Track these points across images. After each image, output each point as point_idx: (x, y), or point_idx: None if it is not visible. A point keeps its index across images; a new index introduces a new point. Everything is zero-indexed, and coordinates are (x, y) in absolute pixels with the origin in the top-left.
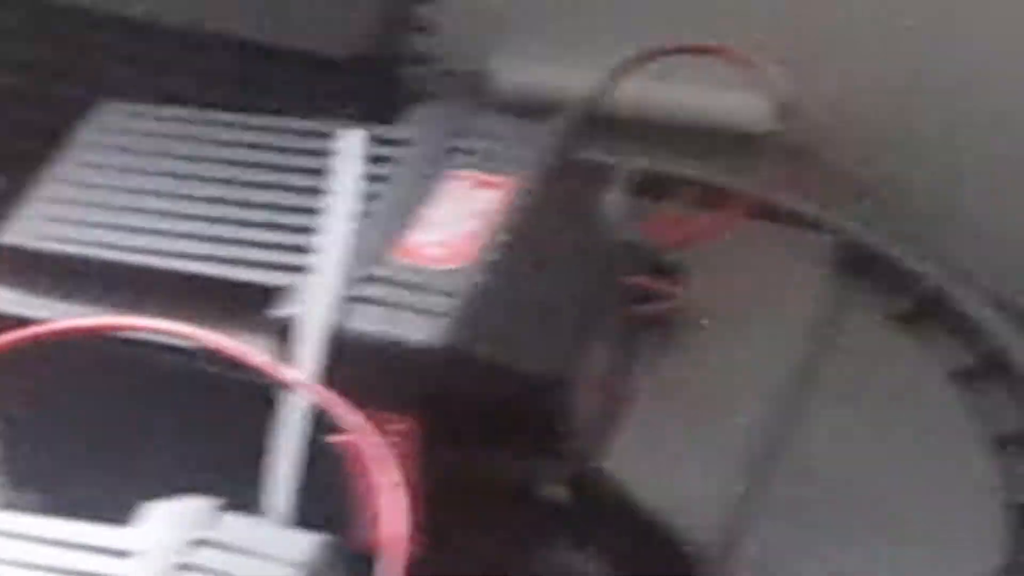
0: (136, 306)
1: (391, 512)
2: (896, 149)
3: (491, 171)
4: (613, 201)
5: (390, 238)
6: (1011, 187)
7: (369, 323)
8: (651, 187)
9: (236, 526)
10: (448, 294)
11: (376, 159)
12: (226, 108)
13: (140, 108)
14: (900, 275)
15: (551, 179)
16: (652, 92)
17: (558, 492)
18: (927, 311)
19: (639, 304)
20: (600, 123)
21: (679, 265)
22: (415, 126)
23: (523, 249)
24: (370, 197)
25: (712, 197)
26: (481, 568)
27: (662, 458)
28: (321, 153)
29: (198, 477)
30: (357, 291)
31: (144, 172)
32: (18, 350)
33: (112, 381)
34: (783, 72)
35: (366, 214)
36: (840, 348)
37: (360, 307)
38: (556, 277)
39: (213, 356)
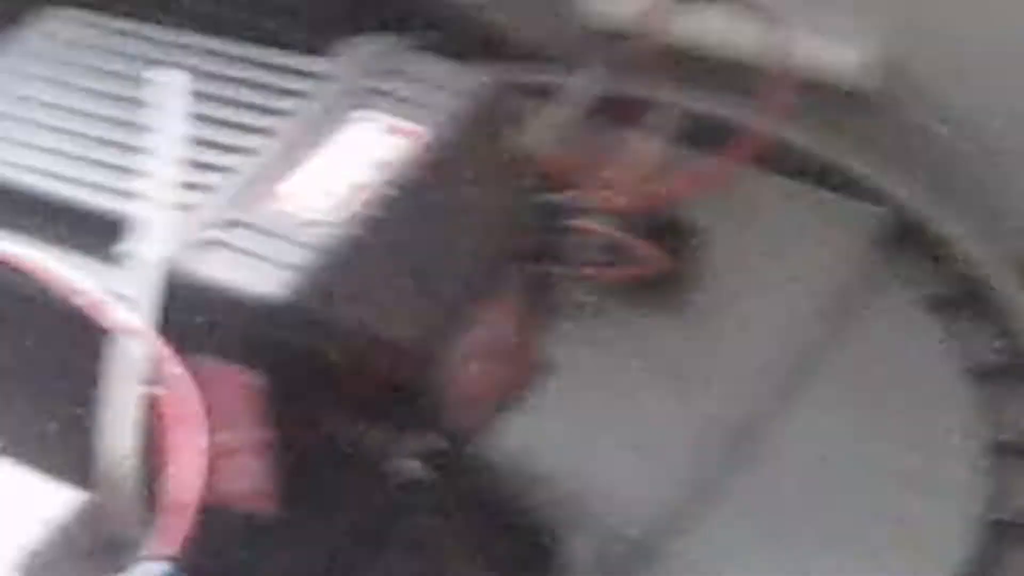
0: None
1: (184, 477)
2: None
3: (404, 117)
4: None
5: (272, 181)
6: None
7: (213, 269)
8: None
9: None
10: (309, 247)
11: (286, 92)
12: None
13: (81, 15)
14: (944, 256)
15: (464, 132)
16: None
17: (412, 467)
18: (963, 299)
19: (608, 266)
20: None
21: (680, 225)
22: (337, 61)
23: (410, 205)
24: (268, 134)
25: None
26: (333, 535)
27: (596, 436)
28: (244, 83)
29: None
30: (216, 235)
31: (49, 82)
32: None
33: None
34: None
35: (257, 152)
36: (856, 331)
37: (214, 252)
38: (446, 239)
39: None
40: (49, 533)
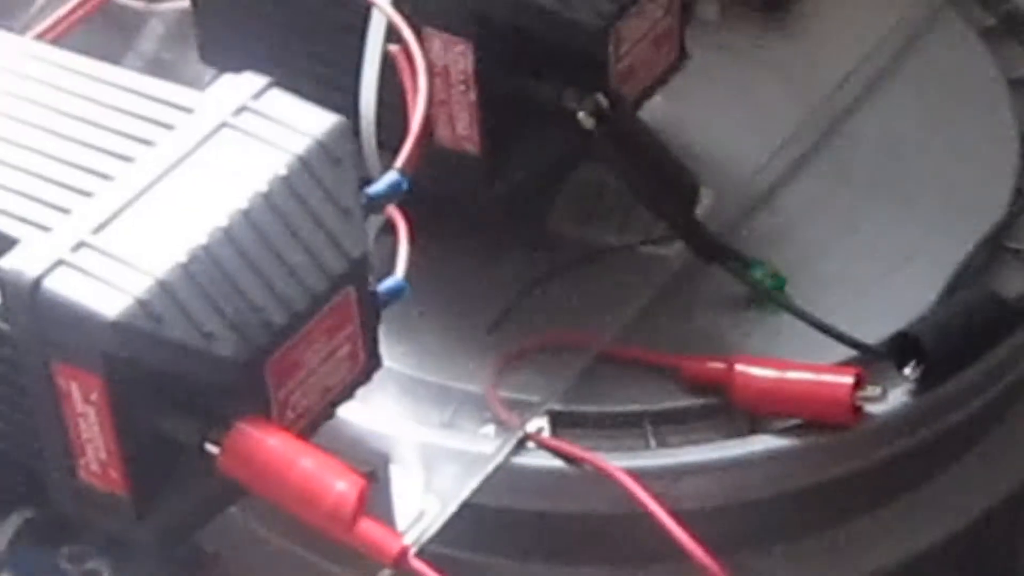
0: None
1: (413, 114)
2: None
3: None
4: None
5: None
6: None
7: None
8: None
9: (276, 100)
10: None
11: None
12: None
13: None
14: None
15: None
16: None
17: (585, 120)
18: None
19: None
20: None
21: None
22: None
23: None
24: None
25: None
26: (525, 170)
27: (719, 115)
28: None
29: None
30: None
31: None
32: None
33: None
34: None
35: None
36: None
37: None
38: None
39: None
40: (311, 144)
